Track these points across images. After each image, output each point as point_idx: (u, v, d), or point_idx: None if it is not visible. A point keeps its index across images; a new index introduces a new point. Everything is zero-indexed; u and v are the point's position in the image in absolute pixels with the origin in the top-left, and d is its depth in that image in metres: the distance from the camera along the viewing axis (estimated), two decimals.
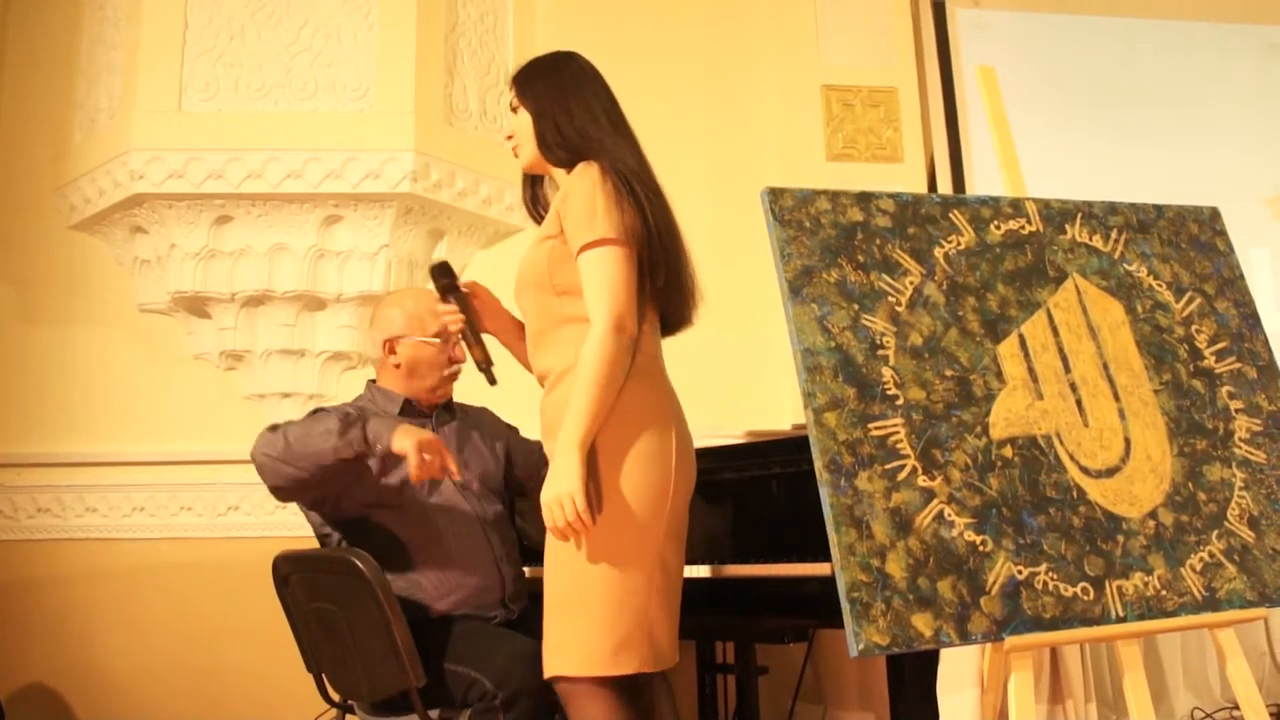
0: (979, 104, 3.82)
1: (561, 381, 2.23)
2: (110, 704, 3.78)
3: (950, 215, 2.34)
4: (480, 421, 2.98)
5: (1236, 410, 2.36)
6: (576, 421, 2.09)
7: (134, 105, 3.75)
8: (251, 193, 3.74)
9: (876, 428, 2.05)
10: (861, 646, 1.85)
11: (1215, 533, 2.20)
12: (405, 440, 2.48)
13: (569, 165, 2.30)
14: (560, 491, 2.06)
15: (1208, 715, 3.61)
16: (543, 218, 2.46)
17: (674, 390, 2.32)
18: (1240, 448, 2.32)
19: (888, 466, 2.02)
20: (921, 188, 4.24)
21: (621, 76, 4.29)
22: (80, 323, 4.07)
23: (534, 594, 2.87)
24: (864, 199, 2.28)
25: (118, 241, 4.01)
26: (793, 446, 2.80)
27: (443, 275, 2.55)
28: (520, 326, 2.51)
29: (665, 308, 2.34)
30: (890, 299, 2.19)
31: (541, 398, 2.32)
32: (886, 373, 2.11)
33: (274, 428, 2.61)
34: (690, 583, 2.90)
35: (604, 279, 2.15)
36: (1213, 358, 2.40)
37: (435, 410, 2.88)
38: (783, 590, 2.68)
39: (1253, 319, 2.49)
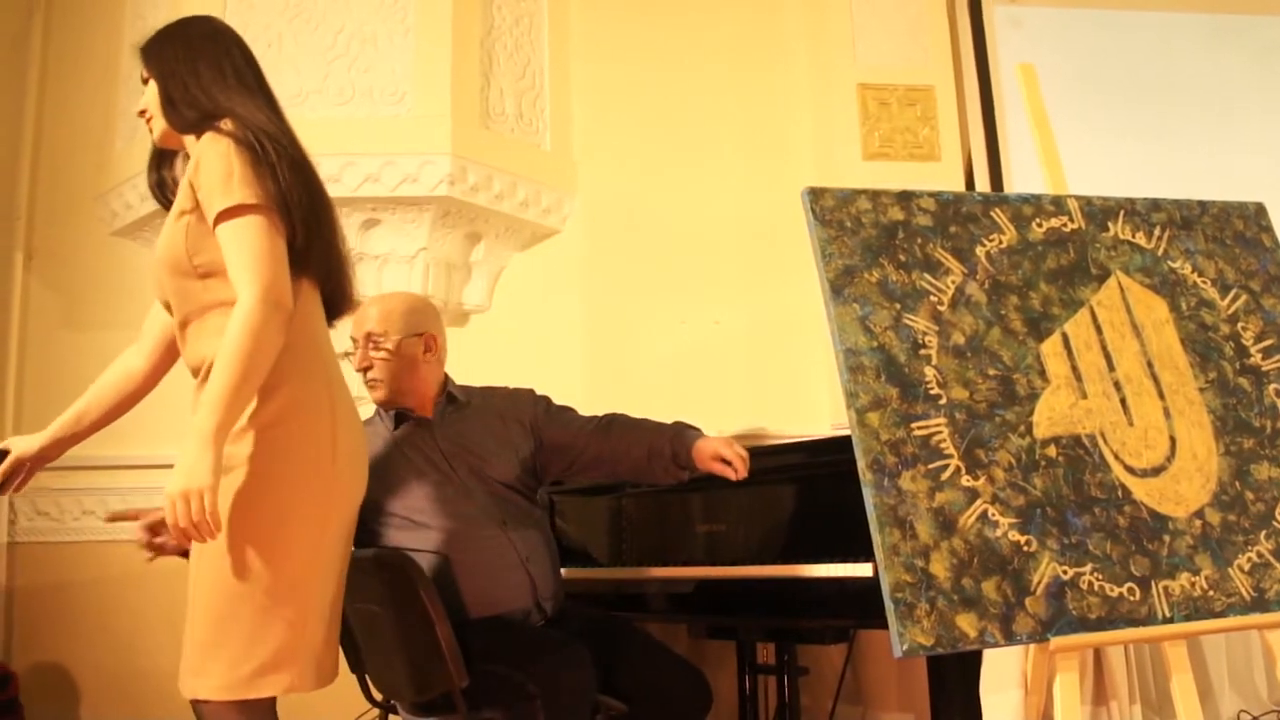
0: (1017, 101, 3.79)
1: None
2: (154, 702, 3.80)
3: (992, 214, 2.32)
4: (491, 412, 2.87)
5: None
6: (214, 405, 1.83)
7: None
8: None
9: (919, 427, 2.04)
10: (906, 647, 1.84)
11: (1264, 532, 2.17)
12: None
13: (196, 129, 2.07)
14: (188, 486, 1.78)
15: (1255, 719, 3.57)
16: (167, 202, 2.24)
17: (342, 378, 2.12)
18: None
19: (931, 466, 2.01)
20: (959, 186, 4.22)
21: (657, 76, 4.36)
22: (122, 327, 4.07)
23: (570, 593, 2.88)
24: (905, 198, 2.27)
25: None
26: (834, 446, 2.79)
27: None
28: (104, 412, 2.29)
29: (320, 282, 2.15)
30: (932, 298, 2.18)
31: (195, 392, 2.08)
32: (929, 372, 2.10)
33: None
34: (731, 583, 2.91)
35: (248, 248, 1.93)
36: (1259, 355, 2.38)
37: (436, 409, 2.79)
38: (824, 591, 2.67)
39: None
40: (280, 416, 1.97)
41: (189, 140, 2.13)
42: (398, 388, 2.77)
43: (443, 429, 2.78)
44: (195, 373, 2.09)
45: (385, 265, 3.93)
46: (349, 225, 3.86)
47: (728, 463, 2.65)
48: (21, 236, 4.20)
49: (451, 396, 2.84)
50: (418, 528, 2.65)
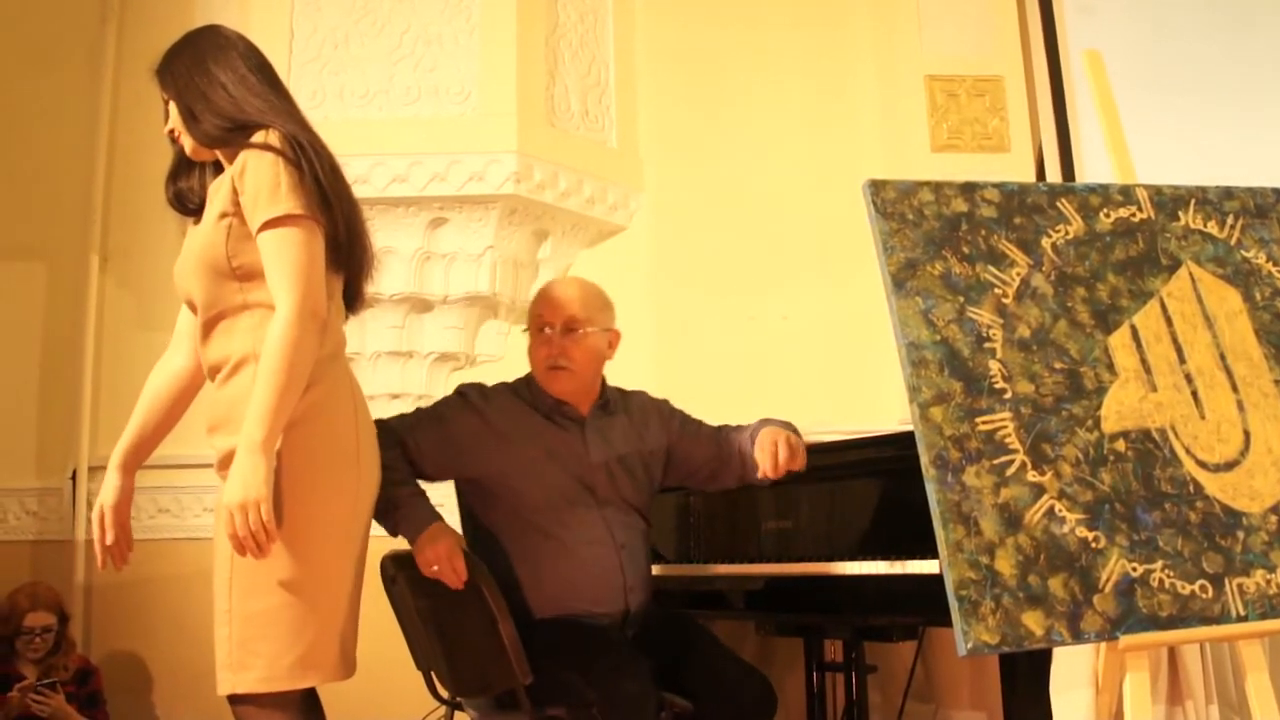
0: (1087, 90, 3.72)
1: (239, 372, 2.03)
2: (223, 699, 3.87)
3: (1058, 204, 2.28)
4: (635, 425, 2.75)
5: None
6: (261, 418, 1.88)
7: None
8: (358, 197, 3.79)
9: (984, 422, 2.01)
10: (970, 645, 1.82)
11: None
12: (422, 553, 2.39)
13: (226, 142, 2.08)
14: (246, 498, 1.84)
15: None
16: (189, 210, 2.25)
17: (355, 378, 2.18)
18: None
19: (996, 461, 1.98)
20: (1030, 177, 4.16)
21: (722, 71, 4.35)
22: None
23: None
24: (968, 189, 2.24)
25: None
26: (901, 442, 2.76)
27: None
28: (163, 417, 2.29)
29: (348, 278, 2.20)
30: (996, 291, 2.14)
31: (213, 390, 2.11)
32: (994, 366, 2.07)
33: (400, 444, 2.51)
34: (798, 580, 2.89)
35: (290, 259, 1.96)
36: None
37: (591, 410, 2.68)
38: (891, 587, 2.64)
39: None
40: (306, 415, 2.00)
41: (220, 153, 2.14)
42: (585, 381, 2.66)
43: (594, 436, 2.67)
44: (214, 371, 2.10)
45: (453, 263, 3.96)
46: (416, 224, 3.89)
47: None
48: (98, 238, 4.29)
49: (606, 401, 2.73)
50: (539, 528, 2.60)
